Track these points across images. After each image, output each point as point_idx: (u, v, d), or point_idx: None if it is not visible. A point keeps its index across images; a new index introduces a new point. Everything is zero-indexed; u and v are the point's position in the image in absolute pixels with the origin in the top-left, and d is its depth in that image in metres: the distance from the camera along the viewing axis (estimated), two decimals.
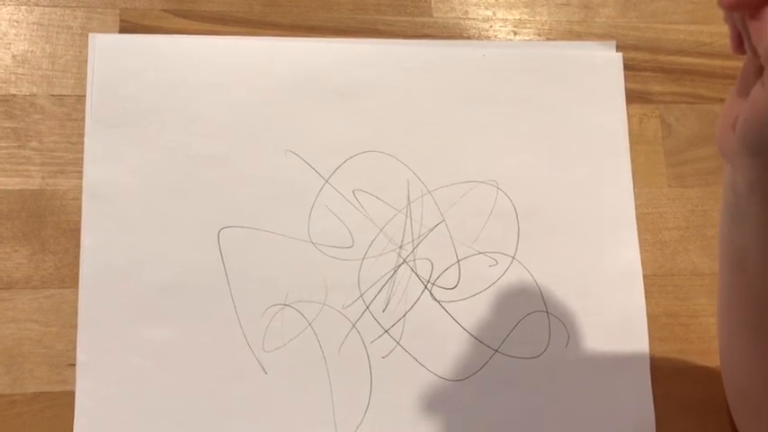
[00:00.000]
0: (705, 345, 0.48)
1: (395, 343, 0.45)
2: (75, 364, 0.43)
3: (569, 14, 0.52)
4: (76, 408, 0.42)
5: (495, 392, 0.45)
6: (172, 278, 0.44)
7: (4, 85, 0.46)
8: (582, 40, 0.51)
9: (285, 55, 0.48)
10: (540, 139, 0.49)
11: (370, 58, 0.48)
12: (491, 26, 0.51)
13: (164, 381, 0.43)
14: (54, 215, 0.45)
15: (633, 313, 0.47)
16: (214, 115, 0.46)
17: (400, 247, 0.46)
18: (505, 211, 0.48)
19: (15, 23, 0.47)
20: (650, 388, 0.46)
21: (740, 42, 0.32)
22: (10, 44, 0.46)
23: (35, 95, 0.46)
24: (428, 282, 0.46)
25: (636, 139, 0.50)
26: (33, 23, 0.47)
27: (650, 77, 0.51)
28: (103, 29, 0.47)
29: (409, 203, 0.47)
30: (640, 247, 0.48)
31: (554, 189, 0.48)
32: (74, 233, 0.44)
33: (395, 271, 0.46)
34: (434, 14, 0.50)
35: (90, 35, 0.46)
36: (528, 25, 0.51)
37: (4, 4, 0.47)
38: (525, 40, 0.51)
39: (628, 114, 0.50)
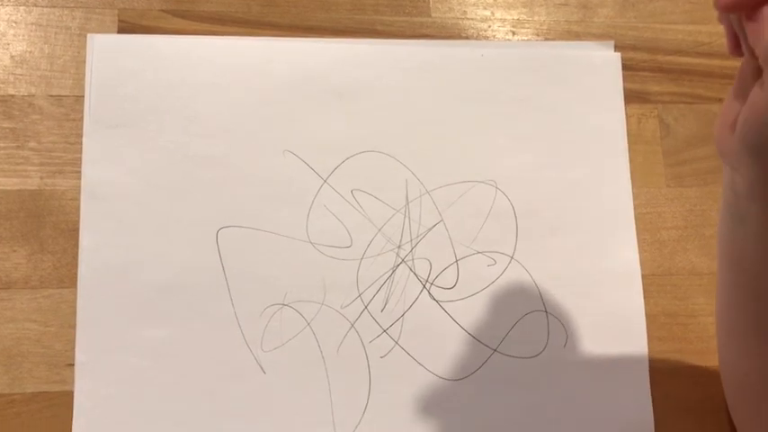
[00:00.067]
0: (704, 344, 0.48)
1: (393, 343, 0.45)
2: (73, 364, 0.43)
3: (568, 14, 0.52)
4: (75, 408, 0.42)
5: (494, 392, 0.45)
6: (170, 278, 0.44)
7: (2, 86, 0.46)
8: (580, 40, 0.51)
9: (283, 55, 0.48)
10: (539, 138, 0.49)
11: (369, 59, 0.48)
12: (489, 26, 0.51)
13: (162, 381, 0.43)
14: (52, 215, 0.45)
15: (632, 313, 0.47)
16: (212, 115, 0.46)
17: (399, 246, 0.46)
18: (504, 211, 0.48)
19: (14, 24, 0.47)
20: (649, 387, 0.46)
21: (737, 44, 0.32)
22: (8, 45, 0.46)
23: (33, 96, 0.46)
24: (426, 281, 0.46)
25: (634, 138, 0.50)
26: (32, 24, 0.47)
27: (649, 77, 0.51)
28: (102, 29, 0.47)
29: (408, 203, 0.47)
30: (639, 246, 0.48)
31: (552, 189, 0.48)
32: (72, 233, 0.44)
33: (393, 271, 0.46)
34: (433, 14, 0.50)
35: (88, 35, 0.46)
36: (526, 25, 0.51)
37: (2, 4, 0.47)
38: (524, 40, 0.51)
39: (626, 114, 0.50)
